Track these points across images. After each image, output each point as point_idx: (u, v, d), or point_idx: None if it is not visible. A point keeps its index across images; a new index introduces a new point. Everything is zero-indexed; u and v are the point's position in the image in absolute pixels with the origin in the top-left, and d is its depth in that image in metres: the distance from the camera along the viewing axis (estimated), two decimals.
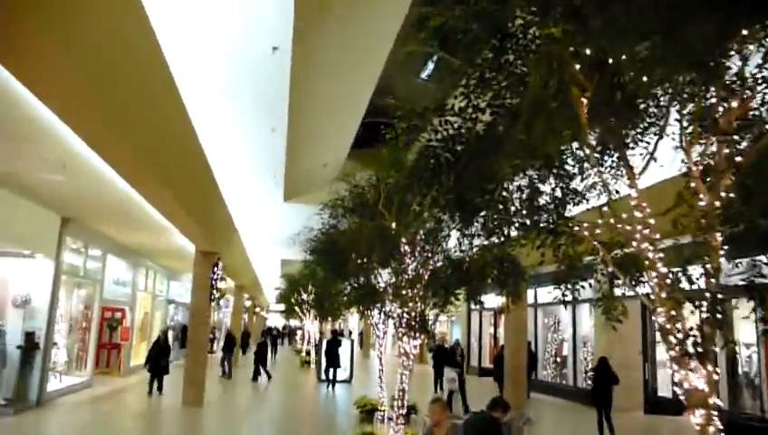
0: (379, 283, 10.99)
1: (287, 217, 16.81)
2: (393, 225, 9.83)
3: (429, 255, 9.64)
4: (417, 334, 9.30)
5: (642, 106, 4.01)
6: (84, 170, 10.03)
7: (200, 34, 8.21)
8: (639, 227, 4.43)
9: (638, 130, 4.36)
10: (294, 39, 7.29)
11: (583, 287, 6.32)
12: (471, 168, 4.64)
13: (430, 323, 9.47)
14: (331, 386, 21.43)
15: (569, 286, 6.07)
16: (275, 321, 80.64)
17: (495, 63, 4.32)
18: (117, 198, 11.86)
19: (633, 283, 5.30)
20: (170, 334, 29.49)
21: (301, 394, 20.61)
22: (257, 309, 57.09)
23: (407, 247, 9.75)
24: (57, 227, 14.78)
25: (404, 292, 9.54)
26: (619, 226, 4.81)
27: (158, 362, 16.75)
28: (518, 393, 16.67)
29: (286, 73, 8.55)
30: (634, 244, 4.68)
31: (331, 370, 21.70)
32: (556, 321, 22.60)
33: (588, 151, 4.25)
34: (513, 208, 5.27)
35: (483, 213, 5.42)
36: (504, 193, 4.98)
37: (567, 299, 6.09)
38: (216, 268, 16.13)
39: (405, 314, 9.41)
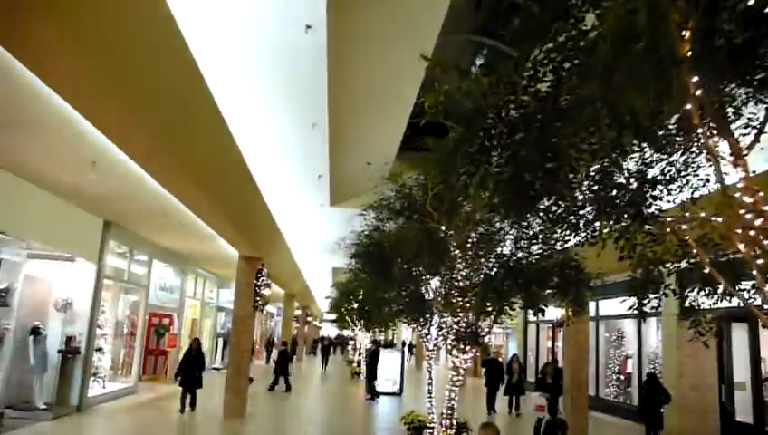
0: (426, 290, 10.14)
1: (335, 223, 16.12)
2: (442, 227, 9.00)
3: (482, 260, 8.73)
4: (469, 347, 8.39)
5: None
6: (122, 172, 9.68)
7: (227, 28, 7.57)
8: (750, 217, 3.45)
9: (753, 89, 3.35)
10: (329, 14, 6.52)
11: (666, 295, 5.33)
12: (530, 141, 3.74)
13: (483, 334, 8.53)
14: (371, 398, 20.67)
15: (648, 295, 5.09)
16: (329, 331, 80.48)
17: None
18: (157, 201, 11.47)
19: (739, 290, 4.28)
20: (219, 342, 29.46)
21: (348, 407, 19.83)
22: (309, 318, 56.82)
23: (457, 251, 8.88)
24: (99, 231, 14.51)
25: (453, 300, 8.65)
26: (719, 218, 3.82)
27: (190, 374, 15.09)
28: (578, 414, 15.42)
29: (323, 57, 7.82)
30: (738, 240, 3.69)
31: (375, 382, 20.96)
32: (619, 335, 21.17)
33: (690, 111, 3.28)
34: (581, 196, 4.34)
35: (543, 202, 4.48)
36: (572, 175, 4.03)
37: (642, 310, 5.11)
38: (259, 274, 15.56)
39: (455, 325, 8.51)
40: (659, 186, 4.53)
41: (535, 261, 7.56)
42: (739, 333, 15.43)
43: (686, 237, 4.36)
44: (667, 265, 5.11)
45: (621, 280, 8.46)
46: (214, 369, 27.33)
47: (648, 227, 4.65)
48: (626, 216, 4.29)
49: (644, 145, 4.10)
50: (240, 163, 11.50)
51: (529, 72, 3.66)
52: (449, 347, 8.72)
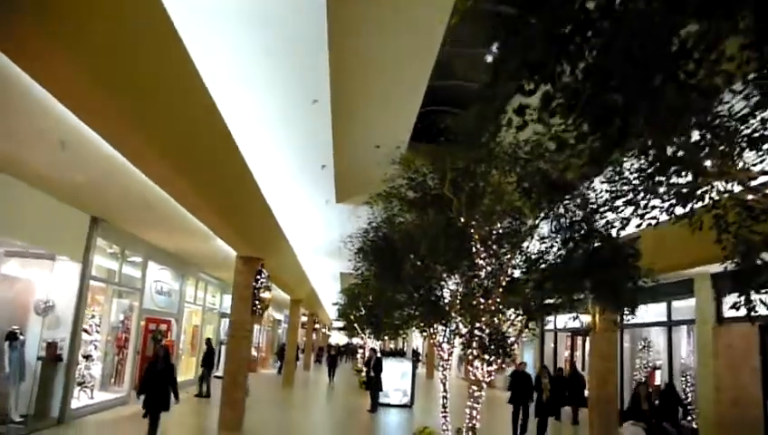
0: (443, 292, 8.87)
1: (343, 222, 14.72)
2: (462, 219, 7.76)
3: (509, 255, 7.47)
4: (494, 357, 7.10)
5: None
6: (101, 160, 8.58)
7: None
8: None
9: None
10: None
11: None
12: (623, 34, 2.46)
13: (511, 343, 7.24)
14: (372, 410, 19.41)
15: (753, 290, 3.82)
16: (338, 338, 79.20)
17: None
18: (144, 193, 10.33)
19: None
20: (222, 349, 28.17)
21: (353, 421, 18.48)
22: (317, 325, 55.54)
23: (479, 246, 7.62)
24: (86, 227, 13.35)
25: (475, 302, 7.38)
26: None
27: (155, 392, 10.86)
28: (608, 430, 14.06)
29: (323, 19, 6.62)
30: None
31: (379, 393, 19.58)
32: (645, 345, 19.76)
33: None
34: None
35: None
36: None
37: (752, 315, 3.83)
38: (259, 276, 14.34)
39: (477, 332, 7.24)
40: None
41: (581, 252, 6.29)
42: None
43: None
44: None
45: (648, 284, 7.32)
46: (216, 377, 26.10)
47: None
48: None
49: None
50: (232, 150, 10.29)
51: None
52: (470, 358, 7.44)
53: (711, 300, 14.81)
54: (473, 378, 7.44)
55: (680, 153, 2.99)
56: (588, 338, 19.13)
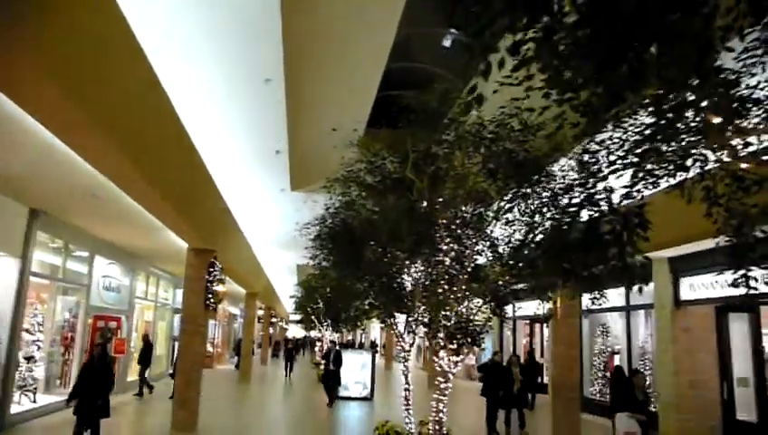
0: (404, 280, 8.50)
1: (298, 212, 14.18)
2: (425, 202, 7.40)
3: (474, 240, 7.13)
4: (462, 348, 6.77)
5: None
6: (43, 149, 7.93)
7: None
8: None
9: None
10: None
11: None
12: None
13: (478, 331, 6.90)
14: (329, 404, 18.95)
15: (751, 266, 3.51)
16: (296, 332, 78.39)
17: None
18: (91, 183, 9.67)
19: None
20: (175, 346, 27.25)
21: (312, 416, 18.01)
22: (274, 319, 54.76)
23: (443, 231, 7.27)
24: (24, 220, 12.52)
25: (440, 290, 7.03)
26: None
27: (89, 397, 9.56)
28: (570, 419, 13.96)
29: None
30: None
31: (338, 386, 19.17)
32: (604, 330, 19.86)
33: None
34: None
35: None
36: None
37: (750, 293, 3.50)
38: (211, 268, 13.73)
39: (443, 321, 6.89)
40: None
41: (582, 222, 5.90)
42: (738, 325, 14.23)
43: None
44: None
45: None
46: (170, 376, 25.26)
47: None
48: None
49: None
50: (180, 134, 9.69)
51: None
52: (436, 347, 7.09)
53: (669, 283, 14.85)
54: (438, 369, 7.10)
55: (693, 99, 2.65)
56: (547, 325, 19.09)
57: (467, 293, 6.84)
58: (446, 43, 12.74)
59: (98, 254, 16.99)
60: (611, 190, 3.78)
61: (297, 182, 13.62)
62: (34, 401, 14.15)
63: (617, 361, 18.86)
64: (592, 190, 4.12)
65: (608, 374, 19.29)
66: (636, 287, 7.06)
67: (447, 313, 6.80)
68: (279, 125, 9.53)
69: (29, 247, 12.66)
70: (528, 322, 26.56)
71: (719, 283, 13.19)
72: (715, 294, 13.46)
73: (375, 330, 55.90)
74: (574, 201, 4.36)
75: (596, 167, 3.97)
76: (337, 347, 21.15)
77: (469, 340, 6.48)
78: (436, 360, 7.08)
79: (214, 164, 11.73)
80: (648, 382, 14.57)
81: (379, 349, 46.76)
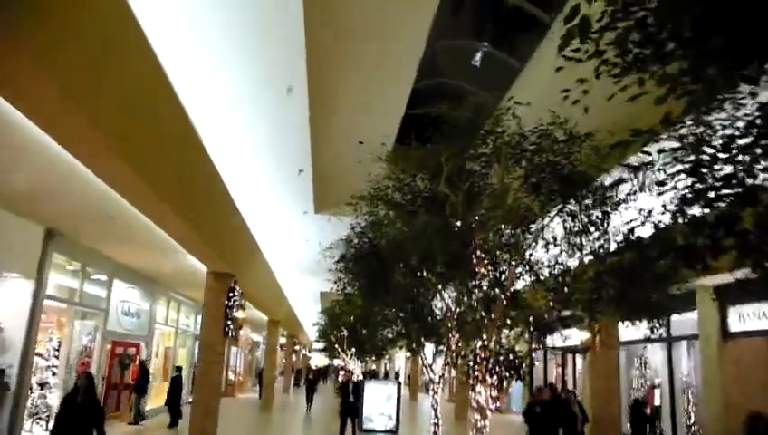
0: (436, 307, 7.82)
1: (323, 236, 13.55)
2: (459, 220, 6.77)
3: (515, 259, 6.46)
4: (500, 380, 6.05)
5: None
6: (59, 167, 7.54)
7: None
8: None
9: None
10: None
11: None
12: None
13: (521, 362, 6.17)
14: None
15: None
16: (319, 361, 77.49)
17: None
18: (109, 204, 9.25)
19: None
20: (195, 373, 26.59)
21: None
22: (297, 347, 54.05)
23: (479, 252, 6.61)
24: (39, 241, 12.09)
25: (476, 317, 6.33)
26: None
27: (75, 433, 8.07)
28: None
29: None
30: None
31: (349, 422, 16.94)
32: (642, 362, 18.80)
33: None
34: None
35: None
36: None
37: None
38: (231, 293, 13.16)
39: (479, 351, 6.18)
40: None
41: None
42: None
43: None
44: None
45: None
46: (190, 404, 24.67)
47: None
48: None
49: None
50: (200, 152, 9.21)
51: None
52: (471, 381, 6.38)
53: (716, 313, 13.95)
54: (474, 405, 6.37)
55: None
56: (583, 356, 18.12)
57: (507, 320, 6.15)
58: (477, 60, 12.19)
59: (116, 277, 16.56)
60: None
61: (321, 204, 13.06)
62: (46, 430, 13.60)
63: (657, 395, 17.82)
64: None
65: (647, 411, 18.23)
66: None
67: (485, 342, 6.10)
68: (302, 140, 8.99)
69: (44, 269, 12.21)
70: (559, 353, 25.50)
71: None
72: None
73: (400, 359, 54.82)
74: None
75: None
76: (354, 378, 19.83)
77: (511, 372, 5.76)
78: (473, 395, 6.36)
79: (234, 184, 11.23)
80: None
81: (402, 379, 45.66)
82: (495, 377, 5.84)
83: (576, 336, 16.73)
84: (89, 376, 8.65)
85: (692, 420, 15.80)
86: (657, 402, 17.67)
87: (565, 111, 6.37)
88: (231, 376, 35.60)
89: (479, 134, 6.75)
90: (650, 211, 4.35)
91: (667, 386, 16.98)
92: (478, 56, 12.22)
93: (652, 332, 6.06)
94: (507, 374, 5.76)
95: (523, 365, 6.10)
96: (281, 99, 7.68)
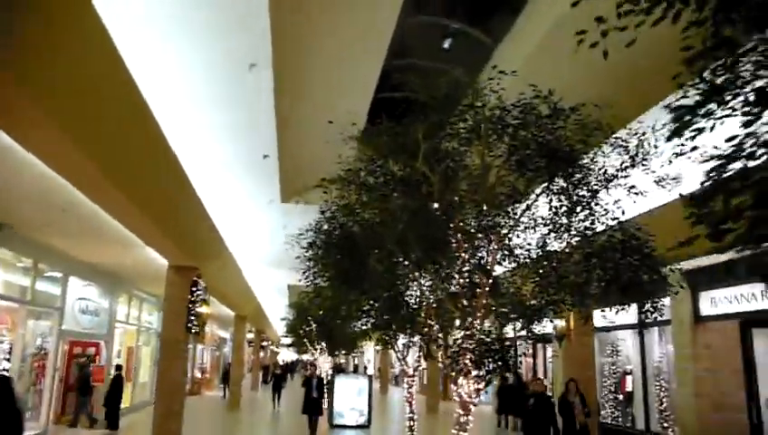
0: (412, 295, 7.38)
1: (290, 227, 12.97)
2: (436, 202, 6.35)
3: (498, 242, 6.05)
4: (490, 371, 5.64)
5: None
6: (7, 156, 6.87)
7: None
8: None
9: None
10: None
11: None
12: None
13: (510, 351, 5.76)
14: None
15: None
16: (288, 356, 76.70)
17: None
18: (59, 194, 8.58)
19: None
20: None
21: None
22: (265, 343, 53.25)
23: (460, 235, 6.20)
24: None
25: (460, 305, 5.90)
26: None
27: None
28: None
29: None
30: None
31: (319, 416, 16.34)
32: (614, 349, 18.70)
33: None
34: None
35: None
36: None
37: None
38: (194, 288, 12.53)
39: (464, 343, 5.75)
40: None
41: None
42: (764, 341, 13.20)
43: None
44: None
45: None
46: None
47: None
48: None
49: None
50: (156, 134, 8.58)
51: None
52: (453, 373, 5.96)
53: (687, 298, 13.84)
54: (457, 399, 5.96)
55: None
56: (559, 344, 17.92)
57: (493, 308, 5.74)
58: (447, 43, 11.77)
59: (72, 274, 15.75)
60: None
61: (288, 193, 12.51)
62: None
63: (629, 381, 17.74)
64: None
65: (620, 397, 18.17)
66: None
67: (469, 331, 5.67)
68: (267, 122, 8.43)
69: None
70: (530, 341, 25.34)
71: (744, 296, 12.25)
72: (739, 308, 12.52)
73: (369, 352, 54.43)
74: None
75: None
76: (323, 373, 18.86)
77: (500, 364, 5.34)
78: (455, 388, 5.94)
79: (194, 171, 10.59)
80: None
81: (369, 372, 45.24)
82: (482, 369, 5.43)
83: (548, 324, 16.56)
84: (3, 380, 7.38)
85: (663, 406, 15.74)
86: (629, 388, 17.61)
87: (546, 87, 6.01)
88: (198, 374, 34.80)
89: (457, 110, 6.33)
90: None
91: (640, 372, 16.89)
92: (448, 42, 11.80)
93: (646, 316, 5.73)
94: (496, 366, 5.34)
95: (514, 356, 5.71)
96: (242, 74, 7.12)
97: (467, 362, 5.51)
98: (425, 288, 6.87)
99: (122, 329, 21.29)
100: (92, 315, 18.00)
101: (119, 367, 18.50)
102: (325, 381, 19.83)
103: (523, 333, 5.98)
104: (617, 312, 6.02)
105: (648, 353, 16.72)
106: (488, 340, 5.49)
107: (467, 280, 5.89)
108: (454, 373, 5.85)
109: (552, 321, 6.41)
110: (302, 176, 11.22)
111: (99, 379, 18.31)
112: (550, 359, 23.57)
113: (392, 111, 7.15)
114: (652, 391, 16.37)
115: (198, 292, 12.71)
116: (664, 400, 16.01)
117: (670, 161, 5.75)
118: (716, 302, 13.31)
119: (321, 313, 20.71)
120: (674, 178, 5.24)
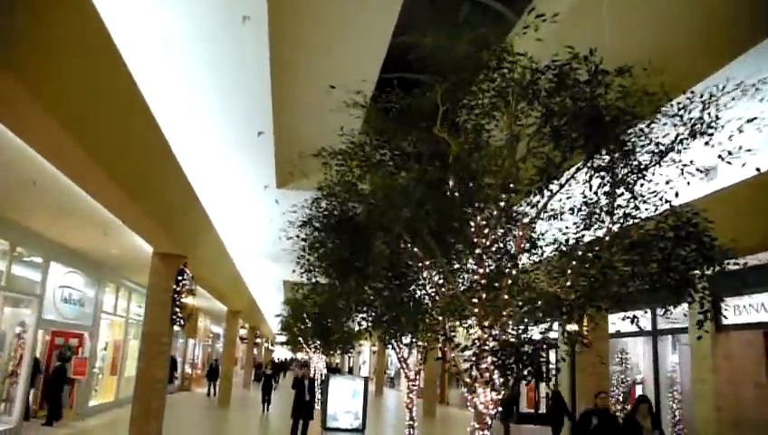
0: (423, 288, 6.47)
1: (287, 215, 11.95)
2: (452, 180, 5.45)
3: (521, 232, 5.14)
4: (518, 379, 4.71)
5: None
6: None
7: None
8: None
9: None
10: None
11: None
12: None
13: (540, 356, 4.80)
14: None
15: None
16: (283, 354, 75.76)
17: None
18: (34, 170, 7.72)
19: None
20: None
21: None
22: (258, 340, 52.29)
23: (480, 219, 5.29)
24: None
25: (479, 298, 4.97)
26: None
27: None
28: None
29: None
30: None
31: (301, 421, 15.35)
32: (623, 357, 17.81)
33: None
34: None
35: None
36: None
37: None
38: (180, 277, 11.59)
39: (489, 343, 4.81)
40: None
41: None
42: None
43: None
44: None
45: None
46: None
47: None
48: None
49: None
50: (140, 106, 7.66)
51: None
52: (468, 381, 5.03)
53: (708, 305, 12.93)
54: (473, 410, 5.03)
55: None
56: (572, 350, 16.99)
57: (520, 304, 4.81)
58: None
59: (54, 260, 14.81)
60: None
61: (284, 177, 11.56)
62: None
63: (639, 391, 16.86)
64: None
65: (629, 407, 17.27)
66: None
67: (491, 330, 4.74)
68: (261, 90, 7.49)
69: None
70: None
71: None
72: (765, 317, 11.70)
73: (365, 353, 53.47)
74: None
75: None
76: (312, 375, 17.46)
77: (531, 369, 4.39)
78: (470, 397, 5.02)
79: (183, 151, 9.64)
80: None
81: (367, 373, 44.31)
82: (509, 375, 4.48)
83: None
84: None
85: (677, 419, 14.88)
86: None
87: (585, 48, 5.12)
88: (188, 370, 33.89)
89: (482, 72, 5.41)
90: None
91: (651, 382, 16.00)
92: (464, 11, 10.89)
93: (705, 319, 4.85)
94: (525, 372, 4.40)
95: (547, 361, 4.80)
96: (235, 29, 6.19)
97: (490, 366, 4.60)
98: (437, 278, 5.93)
99: (109, 320, 20.36)
100: (76, 305, 17.07)
101: (62, 357, 17.19)
102: (319, 382, 18.94)
103: (556, 335, 5.08)
104: (664, 313, 5.12)
105: (662, 362, 15.85)
106: (516, 341, 4.55)
107: (490, 269, 4.97)
108: (468, 380, 4.92)
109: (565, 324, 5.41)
110: (301, 157, 10.26)
111: (80, 372, 17.38)
112: (552, 365, 22.56)
113: (405, 62, 6.28)
114: (665, 403, 15.50)
115: (184, 281, 11.78)
116: (677, 413, 15.17)
117: (740, 130, 4.88)
118: (739, 310, 12.48)
119: (316, 310, 19.84)
120: (748, 150, 4.37)
